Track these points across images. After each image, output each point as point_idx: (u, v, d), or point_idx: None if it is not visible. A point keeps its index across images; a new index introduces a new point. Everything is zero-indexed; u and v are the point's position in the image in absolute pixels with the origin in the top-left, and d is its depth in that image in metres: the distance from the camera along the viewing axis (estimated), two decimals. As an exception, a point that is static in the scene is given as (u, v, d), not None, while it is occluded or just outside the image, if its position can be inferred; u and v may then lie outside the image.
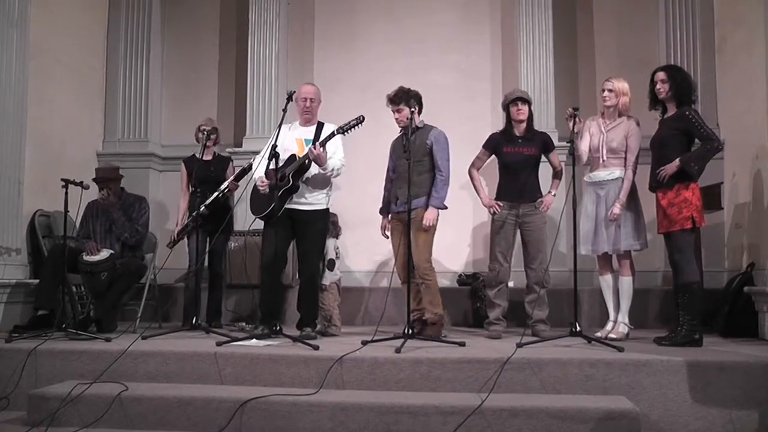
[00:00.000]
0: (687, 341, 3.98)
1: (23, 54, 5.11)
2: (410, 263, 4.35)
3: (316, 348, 3.76)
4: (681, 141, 4.14)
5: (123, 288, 4.80)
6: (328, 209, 4.61)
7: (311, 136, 4.50)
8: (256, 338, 4.03)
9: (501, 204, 4.69)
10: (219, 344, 3.82)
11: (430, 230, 4.47)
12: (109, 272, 4.70)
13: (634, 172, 4.39)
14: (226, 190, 5.06)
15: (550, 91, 5.97)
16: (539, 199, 4.68)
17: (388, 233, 4.79)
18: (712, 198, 5.01)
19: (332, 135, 4.37)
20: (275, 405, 3.24)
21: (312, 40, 6.56)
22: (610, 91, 4.44)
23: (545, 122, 5.72)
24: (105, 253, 4.75)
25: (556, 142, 5.06)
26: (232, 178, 5.14)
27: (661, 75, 4.24)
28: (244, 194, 4.88)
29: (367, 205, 6.06)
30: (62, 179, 4.48)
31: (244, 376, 3.61)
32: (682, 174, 4.05)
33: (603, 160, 4.43)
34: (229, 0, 6.70)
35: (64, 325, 4.25)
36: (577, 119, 4.21)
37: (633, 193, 4.39)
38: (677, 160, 4.05)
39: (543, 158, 4.80)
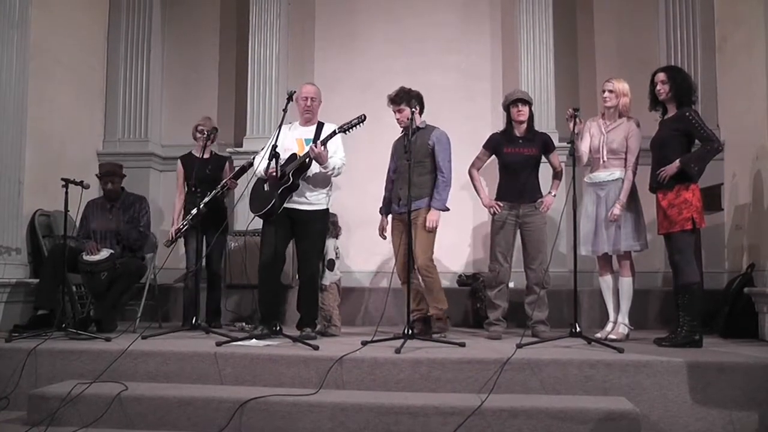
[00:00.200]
0: (687, 342, 3.98)
1: (24, 54, 5.11)
2: (410, 264, 4.35)
3: (316, 348, 3.76)
4: (681, 142, 4.14)
5: (123, 288, 4.80)
6: (328, 209, 4.61)
7: (311, 136, 4.50)
8: (256, 338, 4.03)
9: (501, 204, 4.68)
10: (219, 344, 3.82)
11: (432, 231, 4.48)
12: (109, 272, 4.70)
13: (634, 173, 4.40)
14: (225, 189, 5.06)
15: (551, 92, 5.96)
16: (539, 200, 4.67)
17: (387, 234, 4.79)
18: (712, 199, 5.00)
19: (334, 133, 4.38)
20: (275, 405, 3.24)
21: (312, 41, 6.56)
22: (611, 91, 4.44)
23: (545, 123, 5.72)
24: (105, 253, 4.75)
25: (556, 143, 5.06)
26: (231, 176, 5.14)
27: (661, 76, 4.24)
28: (245, 193, 4.88)
29: (368, 205, 6.06)
30: (62, 179, 4.48)
31: (244, 376, 3.61)
32: (683, 175, 4.06)
33: (603, 161, 4.44)
34: (230, 1, 6.71)
35: (64, 325, 4.25)
36: (577, 120, 4.21)
37: (633, 194, 4.39)
38: (677, 161, 4.05)
39: (543, 159, 4.80)
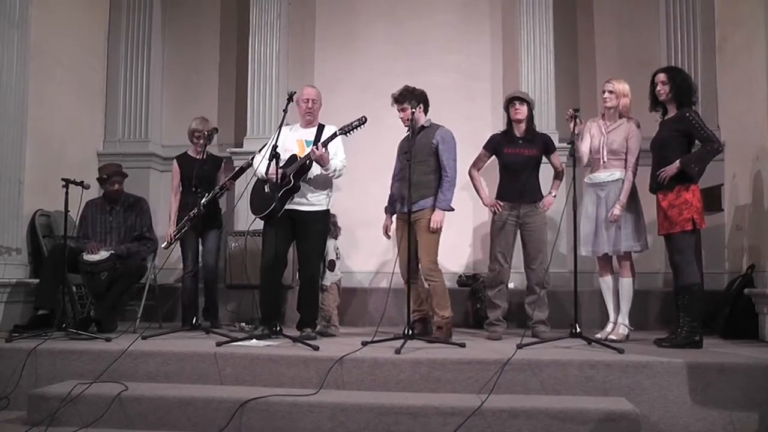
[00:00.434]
0: (687, 343, 3.98)
1: (24, 55, 5.11)
2: (410, 265, 4.35)
3: (316, 348, 3.76)
4: (681, 142, 4.14)
5: (123, 288, 4.79)
6: (328, 210, 4.61)
7: (312, 138, 4.50)
8: (256, 338, 4.03)
9: (502, 203, 4.68)
10: (219, 344, 3.82)
11: (437, 231, 4.43)
12: (109, 272, 4.70)
13: (635, 174, 4.40)
14: (224, 190, 5.06)
15: (551, 92, 5.96)
16: (540, 200, 4.67)
17: (390, 234, 4.77)
18: (712, 199, 5.01)
19: (334, 135, 4.38)
20: (275, 405, 3.24)
21: (312, 41, 6.56)
22: (611, 92, 4.45)
23: (546, 123, 5.72)
24: (105, 253, 4.75)
25: (556, 143, 5.06)
26: (229, 177, 5.14)
27: (661, 77, 4.24)
28: (245, 193, 4.88)
29: (369, 205, 6.06)
30: (63, 179, 4.49)
31: (244, 377, 3.61)
32: (683, 175, 4.06)
33: (603, 162, 4.44)
34: (230, 1, 6.70)
35: (64, 325, 4.25)
36: (577, 120, 4.21)
37: (633, 195, 4.39)
38: (677, 161, 4.05)
39: (544, 159, 4.80)
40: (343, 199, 5.48)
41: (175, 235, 5.02)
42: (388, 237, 4.79)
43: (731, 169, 5.38)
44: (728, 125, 5.56)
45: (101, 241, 4.94)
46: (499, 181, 4.79)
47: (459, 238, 6.10)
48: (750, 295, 4.65)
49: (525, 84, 5.92)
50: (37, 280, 4.90)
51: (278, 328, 4.07)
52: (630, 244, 4.36)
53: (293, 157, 4.43)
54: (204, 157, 4.98)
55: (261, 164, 4.40)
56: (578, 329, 3.97)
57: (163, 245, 5.14)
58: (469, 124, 6.00)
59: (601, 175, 4.44)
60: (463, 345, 3.92)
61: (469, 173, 4.85)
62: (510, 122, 4.77)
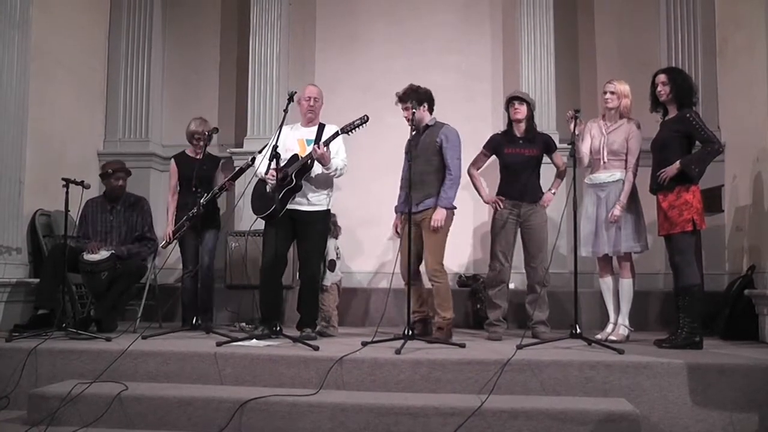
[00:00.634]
0: (687, 344, 3.98)
1: (24, 55, 5.11)
2: (410, 265, 4.34)
3: (316, 349, 3.76)
4: (682, 143, 4.14)
5: (123, 288, 4.79)
6: (329, 210, 4.61)
7: (313, 137, 4.50)
8: (256, 338, 4.03)
9: (503, 199, 4.67)
10: (219, 344, 3.82)
11: (441, 231, 4.40)
12: (109, 272, 4.70)
13: (635, 174, 4.40)
14: (224, 190, 5.06)
15: (551, 93, 5.96)
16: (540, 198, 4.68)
17: (400, 232, 4.75)
18: (712, 200, 5.00)
19: (336, 134, 4.38)
20: (275, 405, 3.24)
21: (313, 42, 6.56)
22: (612, 93, 4.45)
23: (546, 123, 5.72)
24: (105, 253, 4.75)
25: (557, 144, 5.05)
26: (229, 177, 5.13)
27: (662, 77, 4.24)
28: (246, 193, 4.88)
29: (369, 205, 6.08)
30: (63, 179, 4.49)
31: (244, 377, 3.61)
32: (683, 176, 4.06)
33: (604, 162, 4.44)
34: (231, 1, 6.71)
35: (64, 325, 4.25)
36: (578, 121, 4.21)
37: (633, 195, 4.39)
38: (678, 162, 4.05)
39: (545, 159, 4.80)
40: (343, 198, 5.48)
41: (174, 235, 5.01)
42: (398, 235, 4.74)
43: (731, 170, 5.38)
44: (729, 126, 5.56)
45: (101, 241, 4.94)
46: (499, 181, 4.79)
47: (459, 239, 6.07)
48: (750, 296, 4.65)
49: (525, 84, 5.92)
50: (38, 280, 4.90)
51: (278, 328, 4.07)
52: (630, 245, 4.36)
53: (294, 157, 4.43)
54: (202, 156, 4.98)
55: (261, 164, 4.40)
56: (578, 330, 3.97)
57: (161, 245, 5.13)
58: (469, 124, 5.98)
59: (602, 176, 4.44)
60: (463, 345, 3.92)
61: (469, 172, 4.84)
62: (510, 122, 4.77)
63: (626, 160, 4.40)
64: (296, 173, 4.36)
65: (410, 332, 3.89)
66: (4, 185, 4.94)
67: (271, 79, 6.25)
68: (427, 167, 4.44)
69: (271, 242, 4.38)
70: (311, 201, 4.48)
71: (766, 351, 3.98)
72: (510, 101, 4.71)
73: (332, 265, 4.75)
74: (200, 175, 4.97)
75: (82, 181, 4.57)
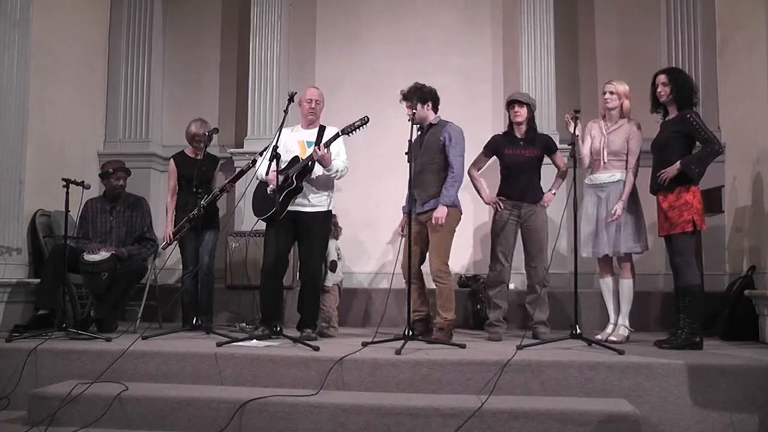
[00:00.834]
0: (687, 344, 3.98)
1: (25, 54, 5.11)
2: (410, 265, 4.34)
3: (317, 349, 3.76)
4: (682, 144, 4.14)
5: (124, 288, 4.79)
6: (330, 211, 4.61)
7: (313, 139, 4.50)
8: (257, 339, 4.03)
9: (504, 199, 4.67)
10: (219, 345, 3.82)
11: (446, 231, 4.37)
12: (109, 272, 4.69)
13: (635, 175, 4.40)
14: (224, 192, 5.06)
15: (551, 93, 5.96)
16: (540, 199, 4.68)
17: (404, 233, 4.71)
18: (712, 201, 5.01)
19: (337, 136, 4.38)
20: (275, 406, 3.24)
21: (313, 42, 6.57)
22: (612, 93, 4.45)
23: (546, 124, 5.73)
24: (105, 253, 4.75)
25: (557, 144, 5.05)
26: (229, 180, 5.13)
27: (662, 78, 4.24)
28: (246, 193, 4.88)
29: (369, 206, 6.08)
30: (63, 179, 4.49)
31: (244, 377, 3.61)
32: (683, 177, 4.06)
33: (604, 163, 4.44)
34: (231, 1, 6.71)
35: (64, 325, 4.25)
36: (578, 121, 4.21)
37: (634, 196, 4.39)
38: (678, 163, 4.05)
39: (545, 160, 4.80)
40: (343, 199, 5.48)
41: (174, 236, 5.01)
42: (403, 235, 4.71)
43: (732, 171, 5.38)
44: (729, 127, 5.56)
45: (101, 241, 4.94)
46: (500, 182, 4.79)
47: (459, 239, 6.04)
48: (750, 297, 4.65)
49: (526, 85, 5.92)
50: (38, 280, 4.90)
51: (278, 329, 4.07)
52: (630, 246, 4.36)
53: (295, 159, 4.43)
54: (199, 155, 4.97)
55: (261, 166, 4.40)
56: (578, 330, 3.97)
57: (161, 246, 5.13)
58: (469, 125, 5.94)
59: (602, 176, 4.44)
60: (463, 346, 3.92)
61: (469, 173, 4.84)
62: (511, 123, 4.77)
63: (626, 161, 4.40)
64: (297, 175, 4.36)
65: (410, 333, 3.89)
66: (4, 185, 4.94)
67: (272, 79, 6.26)
68: (431, 166, 4.43)
69: (272, 243, 4.38)
70: (312, 202, 4.47)
71: (766, 352, 3.98)
72: (510, 104, 4.71)
73: (333, 266, 4.75)
74: (200, 176, 4.97)
75: (83, 182, 4.58)
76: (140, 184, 5.92)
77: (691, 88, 4.22)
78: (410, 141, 4.11)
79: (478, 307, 5.38)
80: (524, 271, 4.80)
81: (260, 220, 4.43)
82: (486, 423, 3.09)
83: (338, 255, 4.84)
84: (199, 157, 5.08)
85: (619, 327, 4.40)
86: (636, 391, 3.38)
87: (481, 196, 4.87)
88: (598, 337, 4.32)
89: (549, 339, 4.24)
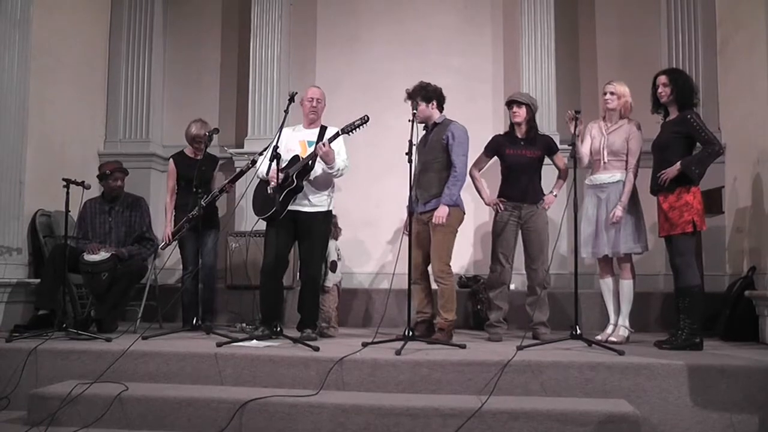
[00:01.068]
0: (688, 345, 3.98)
1: (25, 54, 5.11)
2: (410, 266, 4.33)
3: (317, 349, 3.76)
4: (682, 144, 4.14)
5: (124, 288, 4.78)
6: (330, 211, 4.61)
7: (314, 139, 4.49)
8: (257, 339, 4.03)
9: (504, 200, 4.67)
10: (219, 345, 3.82)
11: (448, 231, 4.36)
12: (109, 272, 4.69)
13: (635, 175, 4.40)
14: (224, 192, 5.06)
15: (552, 94, 5.97)
16: (541, 200, 4.67)
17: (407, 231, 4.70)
18: (713, 202, 5.00)
19: (337, 135, 4.38)
20: (275, 406, 3.24)
21: (314, 42, 6.57)
22: (612, 93, 4.45)
23: (546, 125, 5.73)
24: (105, 254, 4.75)
25: (558, 145, 5.05)
26: (229, 180, 5.13)
27: (663, 78, 4.24)
28: (246, 193, 4.88)
29: (369, 206, 6.08)
30: (63, 179, 4.49)
31: (244, 377, 3.61)
32: (683, 177, 4.06)
33: (604, 163, 4.44)
34: (232, 1, 6.71)
35: (64, 325, 4.25)
36: (578, 122, 4.21)
37: (634, 197, 4.39)
38: (678, 163, 4.05)
39: (546, 161, 4.79)
40: (343, 199, 5.48)
41: (173, 235, 5.01)
42: (406, 234, 4.68)
43: (732, 172, 5.38)
44: (729, 128, 5.56)
45: (101, 242, 4.94)
46: (500, 183, 4.79)
47: (459, 240, 6.06)
48: (750, 298, 4.65)
49: (526, 85, 5.93)
50: (38, 280, 4.90)
51: (278, 329, 4.07)
52: (630, 246, 4.36)
53: (296, 158, 4.43)
54: (199, 156, 4.97)
55: (262, 165, 4.40)
56: (578, 331, 3.97)
57: (160, 246, 5.13)
58: (470, 125, 5.93)
59: (602, 177, 4.44)
60: (463, 346, 3.92)
61: (470, 173, 4.82)
62: (512, 123, 4.77)
63: (626, 161, 4.40)
64: (297, 174, 4.36)
65: (410, 333, 3.89)
66: (4, 185, 4.94)
67: (272, 79, 6.26)
68: (434, 165, 4.42)
69: (272, 243, 4.38)
70: (312, 202, 4.48)
71: (766, 352, 3.99)
72: (509, 105, 4.71)
73: (334, 266, 4.75)
74: (199, 176, 4.97)
75: (83, 182, 4.58)
76: (140, 185, 5.92)
77: (691, 89, 4.22)
78: (410, 141, 4.11)
79: (479, 307, 5.38)
80: (524, 272, 4.79)
81: (260, 220, 4.43)
82: (486, 423, 3.09)
83: (338, 255, 4.84)
84: (198, 158, 5.08)
85: (619, 327, 4.40)
86: (636, 391, 3.38)
87: (481, 197, 4.86)
88: (598, 337, 4.32)
89: (549, 339, 4.24)
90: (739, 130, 5.31)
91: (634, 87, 4.52)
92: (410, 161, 4.10)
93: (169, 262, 5.84)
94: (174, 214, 5.10)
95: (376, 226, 6.12)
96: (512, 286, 4.99)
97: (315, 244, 4.50)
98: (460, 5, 6.44)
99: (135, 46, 6.48)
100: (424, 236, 4.46)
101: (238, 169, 5.32)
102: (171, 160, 5.28)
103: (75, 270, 4.75)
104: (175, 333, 4.47)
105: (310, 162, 4.37)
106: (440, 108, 4.56)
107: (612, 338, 4.31)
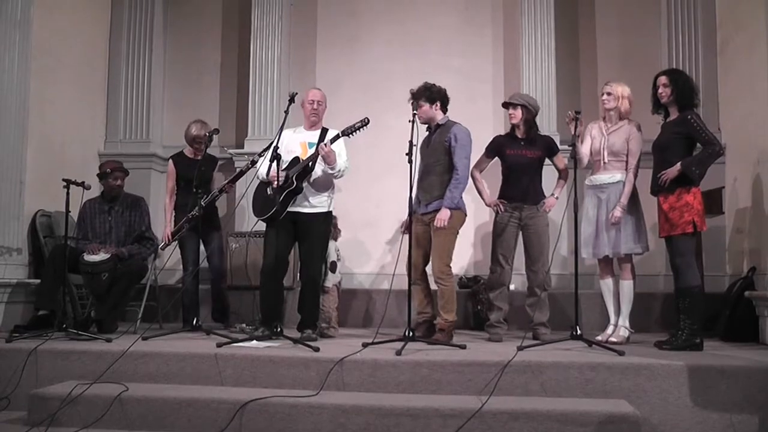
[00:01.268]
0: (688, 345, 3.98)
1: (25, 55, 5.11)
2: (410, 267, 4.33)
3: (317, 350, 3.76)
4: (683, 145, 4.14)
5: (124, 288, 4.78)
6: (330, 212, 4.61)
7: (315, 140, 4.49)
8: (257, 340, 4.03)
9: (504, 202, 4.67)
10: (219, 345, 3.82)
11: (449, 232, 4.35)
12: (110, 273, 4.69)
13: (635, 176, 4.40)
14: (223, 192, 5.06)
15: (552, 94, 5.97)
16: (541, 202, 4.67)
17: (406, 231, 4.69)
18: (713, 202, 5.01)
19: (337, 137, 4.38)
20: (275, 407, 3.24)
21: (314, 43, 6.57)
22: (609, 94, 4.45)
23: (547, 125, 5.73)
24: (105, 254, 4.75)
25: (558, 146, 5.05)
26: (229, 180, 5.13)
27: (663, 79, 4.24)
28: (246, 194, 4.88)
29: (369, 207, 6.08)
30: (64, 179, 4.49)
31: (244, 378, 3.61)
32: (684, 178, 4.06)
33: (604, 163, 4.44)
34: (232, 2, 6.71)
35: (64, 326, 4.25)
36: (578, 122, 4.22)
37: (634, 197, 4.39)
38: (678, 164, 4.05)
39: (546, 161, 4.79)
40: (343, 200, 5.48)
41: (173, 235, 5.01)
42: (405, 234, 4.62)
43: (732, 172, 5.38)
44: (729, 128, 5.56)
45: (101, 242, 4.94)
46: (501, 183, 4.78)
47: (459, 240, 6.06)
48: (750, 298, 4.65)
49: (526, 86, 5.93)
50: (38, 281, 4.90)
51: (279, 330, 4.07)
52: (630, 247, 4.36)
53: (296, 159, 4.43)
54: (198, 156, 4.97)
55: (262, 166, 4.40)
56: (579, 331, 3.97)
57: (160, 246, 5.13)
58: (470, 126, 5.93)
59: (602, 177, 4.44)
60: (463, 347, 3.92)
61: (471, 174, 4.82)
62: (513, 124, 4.77)
63: (627, 162, 4.40)
64: (297, 175, 4.36)
65: (411, 333, 3.89)
66: (4, 185, 4.94)
67: (272, 80, 6.26)
68: (436, 167, 4.42)
69: (272, 244, 4.38)
70: (312, 203, 4.47)
71: (766, 353, 3.99)
72: (505, 106, 4.72)
73: (334, 267, 4.76)
74: (199, 176, 4.97)
75: (83, 182, 4.58)
76: (140, 185, 5.92)
77: (691, 90, 4.22)
78: (411, 141, 4.11)
79: (479, 308, 5.38)
80: (524, 273, 4.79)
81: (260, 221, 4.43)
82: (486, 424, 3.09)
83: (338, 256, 4.85)
84: (198, 158, 5.08)
85: (619, 328, 4.39)
86: (636, 392, 3.38)
87: (482, 198, 4.86)
88: (599, 338, 4.31)
89: (549, 340, 4.24)
90: (739, 130, 5.31)
91: (634, 87, 4.52)
92: (410, 162, 4.10)
93: (169, 263, 5.84)
94: (174, 214, 5.11)
95: (376, 227, 6.12)
96: (512, 287, 4.99)
97: (315, 244, 4.50)
98: (460, 6, 6.44)
99: (135, 47, 6.48)
100: (424, 237, 4.46)
101: (238, 170, 5.33)
102: (170, 160, 5.29)
103: (75, 270, 4.75)
104: (175, 333, 4.46)
105: (310, 163, 4.37)
106: (444, 109, 4.56)
107: (612, 339, 4.31)
